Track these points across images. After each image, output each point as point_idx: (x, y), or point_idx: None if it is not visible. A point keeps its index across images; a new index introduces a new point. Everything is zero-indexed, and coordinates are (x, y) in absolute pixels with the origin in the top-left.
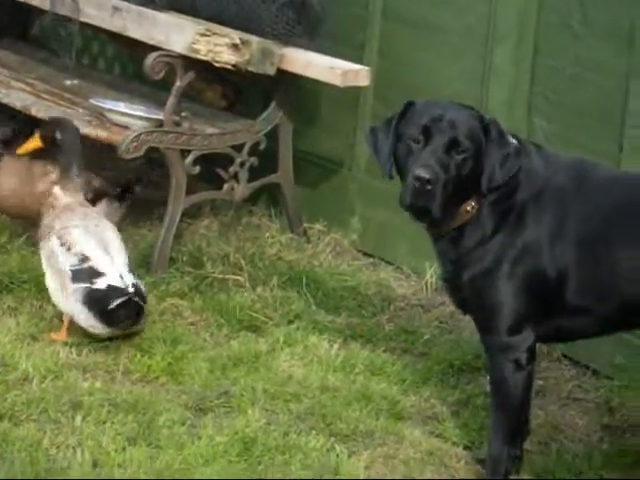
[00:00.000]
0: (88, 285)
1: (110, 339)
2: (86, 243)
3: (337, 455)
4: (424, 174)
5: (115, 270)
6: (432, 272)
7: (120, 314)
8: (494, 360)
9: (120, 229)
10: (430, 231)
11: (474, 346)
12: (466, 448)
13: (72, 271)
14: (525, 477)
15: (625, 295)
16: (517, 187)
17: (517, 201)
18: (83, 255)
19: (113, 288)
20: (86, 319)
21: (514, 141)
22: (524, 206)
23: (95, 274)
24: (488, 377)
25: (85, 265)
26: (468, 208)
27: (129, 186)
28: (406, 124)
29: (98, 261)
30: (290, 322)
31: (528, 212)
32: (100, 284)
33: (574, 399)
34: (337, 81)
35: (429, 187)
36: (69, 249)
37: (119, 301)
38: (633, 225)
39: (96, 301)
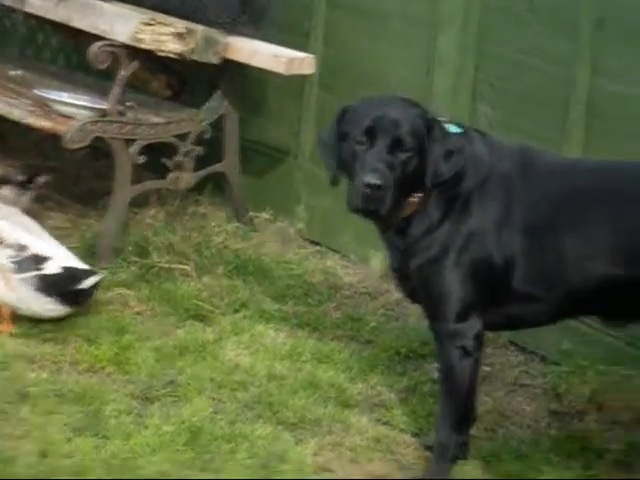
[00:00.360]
0: (37, 272)
1: (57, 329)
2: (16, 233)
3: (284, 443)
4: (375, 180)
5: (61, 252)
6: (378, 260)
7: (87, 292)
8: (442, 347)
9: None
10: (377, 225)
11: (421, 333)
12: (414, 435)
13: (14, 262)
14: (472, 462)
15: (572, 282)
16: (462, 175)
17: (463, 189)
18: (20, 245)
19: (77, 270)
20: (43, 304)
21: (458, 129)
22: (470, 194)
23: (40, 260)
24: (437, 364)
25: (26, 254)
26: (415, 199)
27: (34, 175)
28: (349, 125)
29: (37, 247)
30: (237, 311)
31: (474, 200)
32: (51, 268)
33: (521, 385)
34: (282, 69)
35: (380, 192)
36: (0, 242)
37: (93, 280)
38: (579, 212)
39: (54, 285)
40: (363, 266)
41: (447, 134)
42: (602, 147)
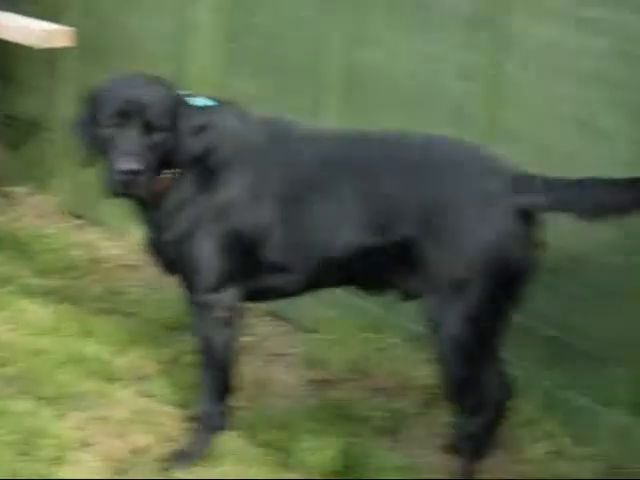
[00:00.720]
0: None
1: None
2: None
3: (46, 418)
4: (129, 166)
5: None
6: (138, 232)
7: None
8: (198, 319)
9: None
10: (134, 202)
11: (183, 304)
12: (177, 407)
13: None
14: (233, 433)
15: (323, 251)
16: (214, 149)
17: (215, 162)
18: None
19: None
20: None
21: (209, 102)
22: (221, 167)
23: None
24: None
25: None
26: (168, 175)
27: None
28: (99, 108)
29: None
30: None
31: (225, 172)
32: None
33: (281, 355)
34: (36, 42)
35: (137, 177)
36: None
37: None
38: (328, 181)
39: None
40: (124, 239)
41: (195, 110)
42: (357, 117)
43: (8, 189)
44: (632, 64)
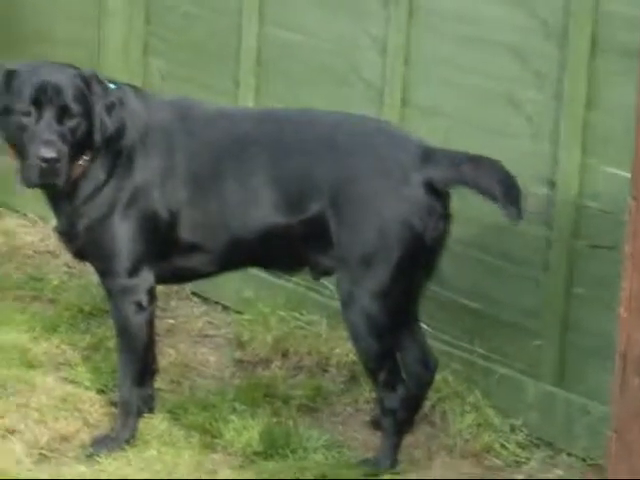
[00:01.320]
0: None
1: None
2: None
3: None
4: (50, 154)
5: None
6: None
7: None
8: (115, 303)
9: None
10: (46, 191)
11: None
12: (99, 392)
13: None
14: (159, 415)
15: (234, 231)
16: (123, 131)
17: (124, 145)
18: None
19: None
20: None
21: (112, 86)
22: (131, 149)
23: None
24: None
25: None
26: (81, 162)
27: None
28: (12, 96)
29: None
30: None
31: (136, 155)
32: None
33: (205, 336)
34: None
35: (56, 165)
36: None
37: None
38: (239, 160)
39: None
40: (43, 225)
41: (106, 87)
42: (273, 95)
43: None
44: (546, 36)
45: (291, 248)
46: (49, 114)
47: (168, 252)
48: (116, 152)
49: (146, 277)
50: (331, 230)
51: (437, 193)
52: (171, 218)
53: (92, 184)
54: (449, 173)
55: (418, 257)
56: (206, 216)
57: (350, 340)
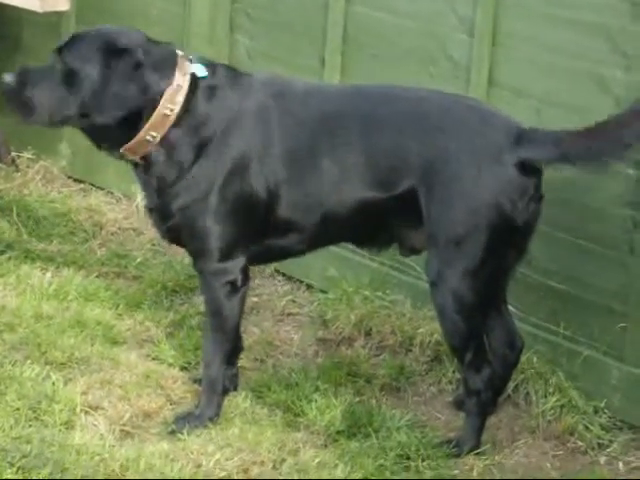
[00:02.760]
0: None
1: None
2: None
3: (53, 383)
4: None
5: None
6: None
7: None
8: (208, 284)
9: None
10: (113, 156)
11: (187, 267)
12: (182, 369)
13: None
14: (242, 394)
15: (328, 207)
16: (213, 113)
17: (215, 126)
18: None
19: None
20: None
21: (204, 73)
22: (225, 130)
23: None
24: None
25: None
26: (148, 137)
27: None
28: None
29: None
30: (2, 252)
31: (230, 135)
32: None
33: (288, 314)
34: (36, 7)
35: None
36: None
37: None
38: (332, 137)
39: None
40: (127, 202)
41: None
42: (359, 74)
43: (14, 155)
44: (635, 17)
45: (381, 224)
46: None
47: (263, 232)
48: (205, 135)
49: (240, 258)
50: (422, 207)
51: (530, 174)
52: (269, 198)
53: (178, 165)
54: (548, 152)
55: (508, 238)
56: (303, 194)
57: (437, 319)
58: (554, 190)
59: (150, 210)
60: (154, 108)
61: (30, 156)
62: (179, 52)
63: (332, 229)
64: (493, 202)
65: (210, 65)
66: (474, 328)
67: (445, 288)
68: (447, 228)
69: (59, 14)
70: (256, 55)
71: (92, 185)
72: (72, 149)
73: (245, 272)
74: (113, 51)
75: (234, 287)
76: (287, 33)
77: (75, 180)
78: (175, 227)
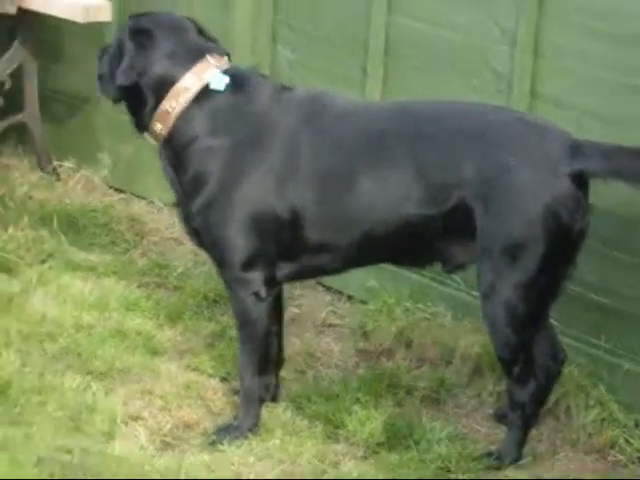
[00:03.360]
0: None
1: None
2: None
3: (93, 393)
4: None
5: None
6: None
7: None
8: (233, 293)
9: None
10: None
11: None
12: (222, 380)
13: None
14: (283, 404)
15: (366, 227)
16: (241, 123)
17: (242, 138)
18: None
19: None
20: None
21: (222, 80)
22: (248, 145)
23: None
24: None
25: None
26: (168, 108)
27: None
28: None
29: None
30: (43, 262)
31: (256, 150)
32: None
33: (329, 325)
34: (78, 17)
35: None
36: None
37: None
38: (372, 156)
39: None
40: (169, 211)
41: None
42: (401, 85)
43: (56, 164)
44: None
45: (425, 242)
46: None
47: (295, 251)
48: (227, 145)
49: (263, 270)
50: (475, 221)
51: (582, 184)
52: (294, 218)
53: (200, 173)
54: (601, 165)
55: (563, 250)
56: (335, 214)
57: (488, 332)
58: (595, 201)
59: (177, 206)
60: (158, 95)
61: (71, 165)
62: (211, 59)
63: (369, 249)
64: (550, 214)
65: (243, 74)
66: (525, 341)
67: (497, 300)
68: (504, 239)
69: (101, 24)
70: (297, 66)
71: (133, 194)
72: (113, 158)
73: (269, 282)
74: (133, 30)
75: (258, 297)
76: (328, 44)
77: (116, 189)
78: (196, 230)
